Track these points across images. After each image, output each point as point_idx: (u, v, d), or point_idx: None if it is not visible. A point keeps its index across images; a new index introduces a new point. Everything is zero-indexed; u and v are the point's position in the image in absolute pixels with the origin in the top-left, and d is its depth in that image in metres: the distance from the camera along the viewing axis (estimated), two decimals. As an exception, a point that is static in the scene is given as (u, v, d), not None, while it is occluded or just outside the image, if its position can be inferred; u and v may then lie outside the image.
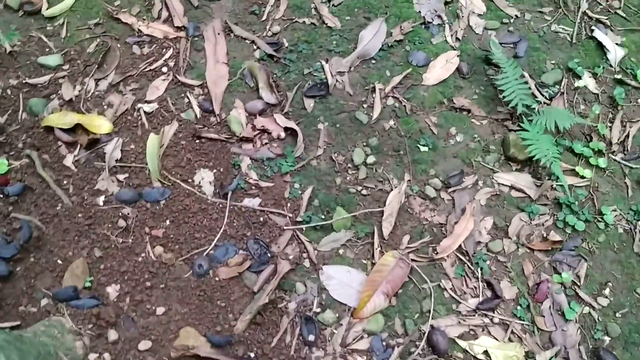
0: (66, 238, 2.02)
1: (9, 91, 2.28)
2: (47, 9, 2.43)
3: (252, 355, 1.89)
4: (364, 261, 2.04)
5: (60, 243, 2.01)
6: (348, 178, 2.17)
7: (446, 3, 2.52)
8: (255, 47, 2.39)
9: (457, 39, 2.45)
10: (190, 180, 2.13)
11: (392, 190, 2.13)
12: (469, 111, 2.30)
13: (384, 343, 1.93)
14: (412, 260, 2.03)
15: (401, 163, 2.19)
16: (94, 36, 2.39)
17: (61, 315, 1.89)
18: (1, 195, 2.06)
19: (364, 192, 2.14)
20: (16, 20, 2.42)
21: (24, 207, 2.06)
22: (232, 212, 2.08)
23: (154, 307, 1.93)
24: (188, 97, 2.28)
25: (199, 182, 2.13)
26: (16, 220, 2.02)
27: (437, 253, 2.04)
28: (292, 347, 1.91)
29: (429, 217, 2.11)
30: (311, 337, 1.92)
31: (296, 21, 2.45)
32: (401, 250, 2.04)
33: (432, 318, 1.96)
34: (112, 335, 1.87)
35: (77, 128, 2.18)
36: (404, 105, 2.29)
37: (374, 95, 2.30)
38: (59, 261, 1.98)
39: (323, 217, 2.10)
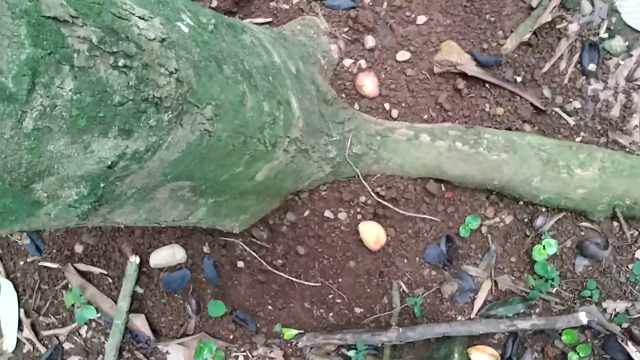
0: None
1: None
2: None
3: (519, 79, 1.68)
4: (675, -20, 1.63)
5: None
6: None
7: None
8: None
9: None
10: None
11: None
12: None
13: (682, 83, 1.62)
14: None
15: None
16: None
17: (315, 15, 1.75)
18: None
19: None
20: None
21: None
22: None
23: (413, 16, 1.72)
24: None
25: None
26: None
27: None
28: (566, 75, 1.67)
29: None
30: (591, 67, 1.66)
31: None
32: None
33: None
34: (369, 41, 1.72)
35: None
36: None
37: None
38: (311, -46, 1.77)
39: None
